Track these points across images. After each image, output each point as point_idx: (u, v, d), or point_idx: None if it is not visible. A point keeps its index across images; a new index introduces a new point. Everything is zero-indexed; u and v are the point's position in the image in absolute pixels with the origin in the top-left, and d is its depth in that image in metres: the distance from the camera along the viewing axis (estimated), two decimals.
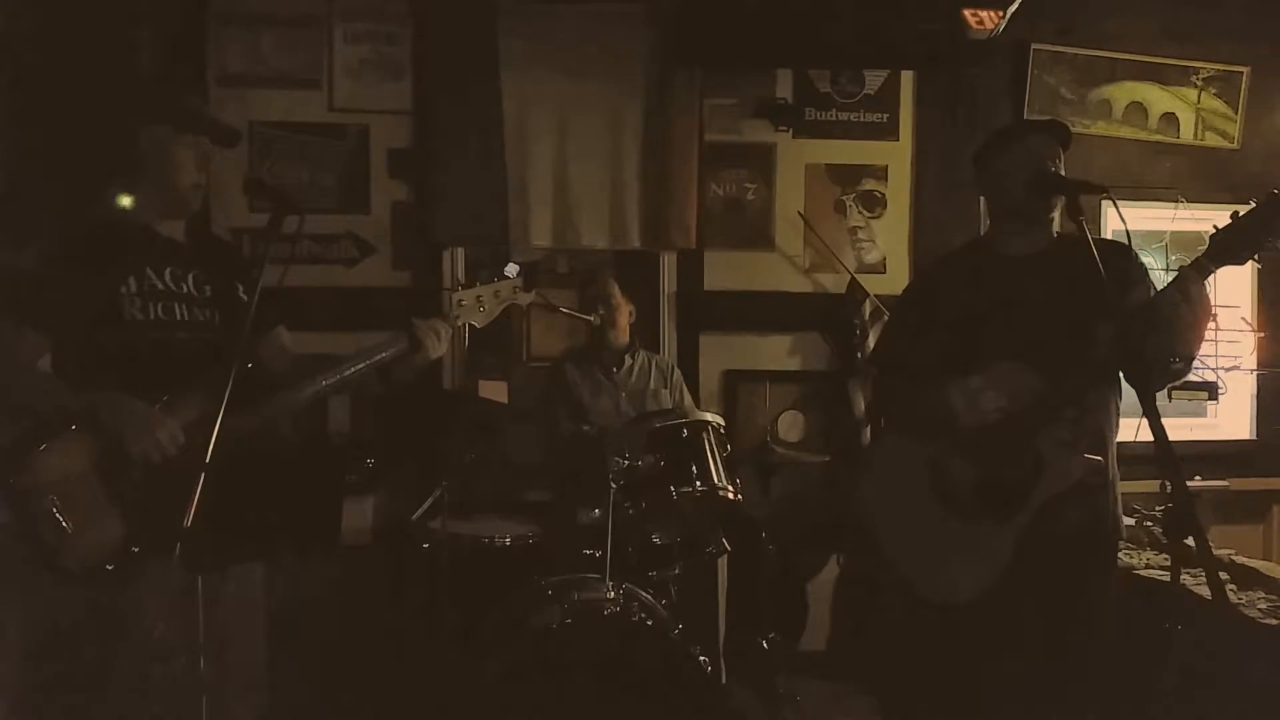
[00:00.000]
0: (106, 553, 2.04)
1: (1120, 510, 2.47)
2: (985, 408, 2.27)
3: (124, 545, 2.05)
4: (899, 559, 2.45)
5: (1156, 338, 2.14)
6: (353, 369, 2.27)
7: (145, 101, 2.40)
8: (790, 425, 4.30)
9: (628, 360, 3.88)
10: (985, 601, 2.31)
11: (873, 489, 2.59)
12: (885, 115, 4.34)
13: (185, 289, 2.28)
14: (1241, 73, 4.40)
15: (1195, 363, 2.32)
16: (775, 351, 4.33)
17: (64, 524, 2.02)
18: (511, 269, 2.46)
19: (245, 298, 2.35)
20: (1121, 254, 2.39)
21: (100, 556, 2.03)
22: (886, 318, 3.86)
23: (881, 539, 2.49)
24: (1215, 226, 2.10)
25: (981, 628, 2.35)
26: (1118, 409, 2.40)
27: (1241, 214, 2.07)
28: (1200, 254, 2.12)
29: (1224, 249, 2.07)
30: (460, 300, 2.37)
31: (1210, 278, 2.13)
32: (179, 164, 2.26)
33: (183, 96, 2.52)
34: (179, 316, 2.25)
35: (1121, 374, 2.24)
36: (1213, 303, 2.21)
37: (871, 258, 4.36)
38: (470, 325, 2.42)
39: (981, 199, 4.08)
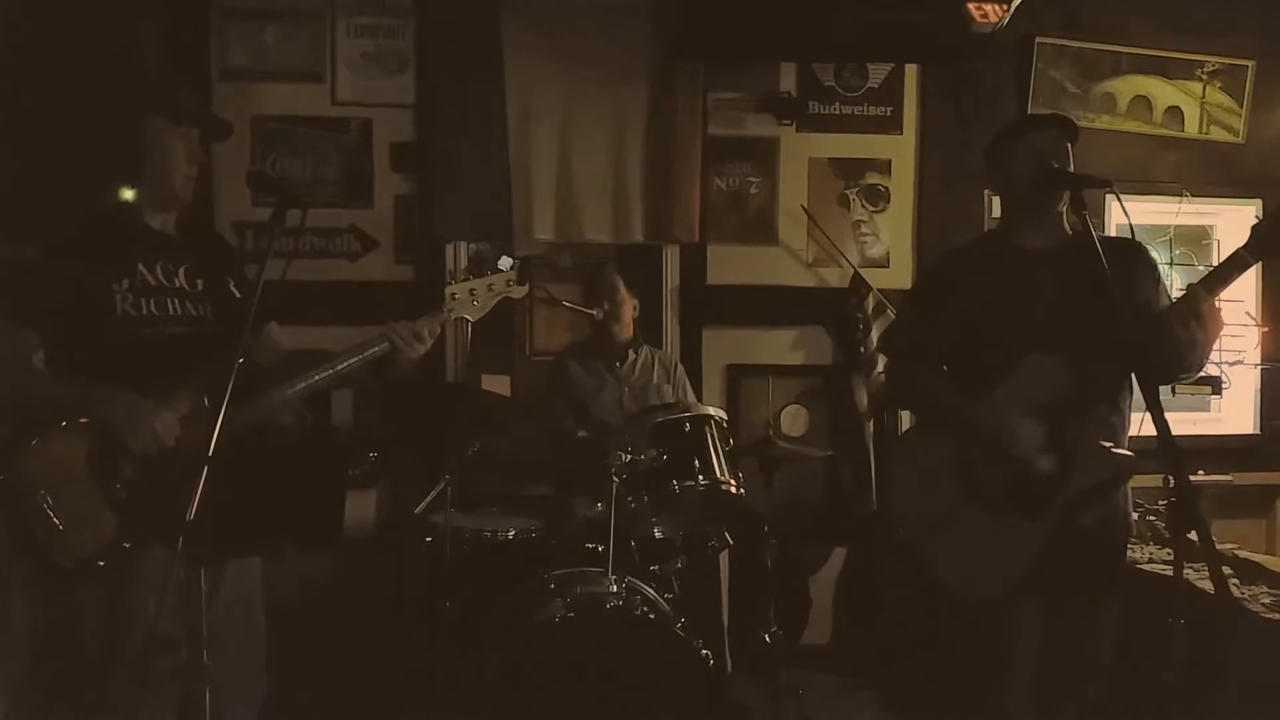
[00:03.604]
0: (98, 549, 2.04)
1: (1130, 508, 2.47)
2: (1021, 449, 2.26)
3: (116, 541, 2.05)
4: (926, 555, 2.43)
5: (1165, 352, 2.14)
6: (343, 365, 2.26)
7: (137, 94, 2.38)
8: (793, 419, 4.30)
9: (631, 355, 3.88)
10: (998, 598, 2.30)
11: (900, 485, 2.57)
12: (889, 109, 4.33)
13: (177, 283, 2.28)
14: (1247, 66, 4.39)
15: None
16: (778, 346, 4.32)
17: (55, 521, 2.02)
18: (505, 261, 2.45)
19: (237, 293, 2.35)
20: (1133, 251, 2.39)
21: (92, 553, 2.03)
22: (899, 307, 3.85)
23: (910, 535, 2.47)
24: (1257, 217, 2.10)
25: (992, 624, 2.35)
26: (1129, 405, 2.39)
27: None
28: (1206, 275, 2.14)
29: (1265, 241, 2.08)
30: (453, 294, 2.36)
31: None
32: (171, 156, 2.25)
33: (175, 89, 2.49)
34: (171, 311, 2.25)
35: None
36: (1222, 319, 2.23)
37: (875, 252, 4.35)
38: (464, 319, 2.40)
39: (988, 194, 4.11)
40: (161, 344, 2.21)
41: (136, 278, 2.22)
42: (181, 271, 2.29)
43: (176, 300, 2.26)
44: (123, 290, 2.19)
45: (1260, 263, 2.14)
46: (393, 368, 2.31)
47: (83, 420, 2.06)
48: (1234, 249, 2.13)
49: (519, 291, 2.45)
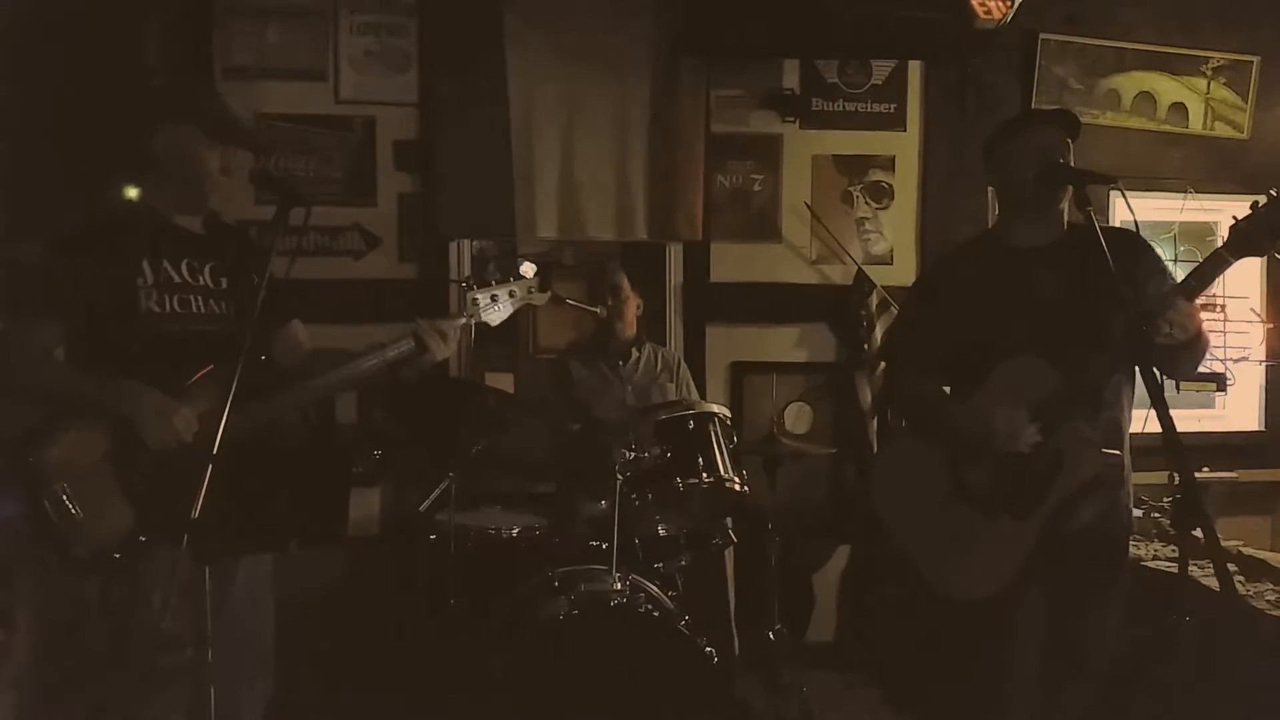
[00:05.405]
0: (115, 541, 2.05)
1: (1131, 505, 2.47)
2: (1024, 439, 2.26)
3: (133, 534, 2.05)
4: (917, 556, 2.43)
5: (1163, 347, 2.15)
6: (366, 363, 2.26)
7: (175, 101, 2.38)
8: (797, 417, 4.30)
9: (634, 353, 3.88)
10: (999, 596, 2.30)
11: (890, 486, 2.57)
12: (892, 106, 4.33)
13: (202, 281, 2.28)
14: (1251, 62, 4.38)
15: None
16: (782, 343, 4.32)
17: (74, 512, 2.03)
18: (528, 268, 2.44)
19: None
20: (1132, 243, 2.38)
21: (109, 545, 2.04)
22: (897, 310, 3.85)
23: (899, 536, 2.47)
24: (1235, 217, 2.10)
25: (994, 622, 2.35)
26: (1131, 402, 2.39)
27: (1261, 204, 2.07)
28: (1187, 275, 2.18)
29: (1244, 240, 2.08)
30: (475, 299, 2.36)
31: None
32: (203, 165, 2.25)
33: (218, 102, 2.46)
34: (195, 309, 2.25)
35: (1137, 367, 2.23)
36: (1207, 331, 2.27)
37: (878, 249, 4.35)
38: (484, 324, 2.40)
39: (990, 190, 4.10)
40: (184, 341, 2.21)
41: (161, 274, 2.22)
42: (207, 269, 2.30)
43: (200, 298, 2.27)
44: (147, 286, 2.20)
45: (1266, 260, 2.15)
46: (413, 367, 2.31)
47: (103, 415, 2.07)
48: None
49: (540, 299, 2.45)
